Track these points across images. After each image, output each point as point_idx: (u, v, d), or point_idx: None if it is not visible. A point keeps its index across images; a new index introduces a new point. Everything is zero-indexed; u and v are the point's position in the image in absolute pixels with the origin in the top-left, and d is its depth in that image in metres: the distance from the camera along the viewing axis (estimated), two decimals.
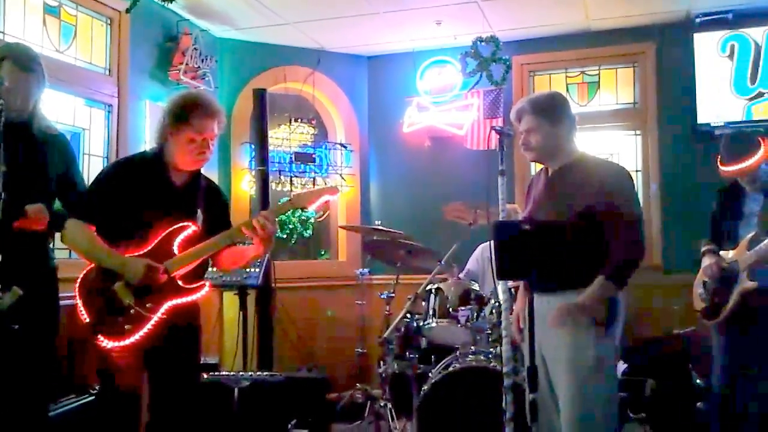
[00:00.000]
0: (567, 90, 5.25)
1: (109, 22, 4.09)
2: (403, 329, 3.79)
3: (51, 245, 2.70)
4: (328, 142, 5.45)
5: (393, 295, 4.15)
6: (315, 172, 5.27)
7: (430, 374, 3.53)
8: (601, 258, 2.32)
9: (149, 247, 2.46)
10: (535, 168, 4.55)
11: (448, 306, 3.67)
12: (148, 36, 4.34)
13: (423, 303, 3.83)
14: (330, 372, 4.62)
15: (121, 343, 2.36)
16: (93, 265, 2.44)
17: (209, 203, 2.65)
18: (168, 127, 2.50)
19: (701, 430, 3.74)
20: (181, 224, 2.51)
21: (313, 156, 5.28)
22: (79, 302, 2.39)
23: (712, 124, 4.66)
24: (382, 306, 4.19)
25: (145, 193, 2.49)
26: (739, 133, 3.72)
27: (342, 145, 5.43)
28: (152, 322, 2.39)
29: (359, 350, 4.72)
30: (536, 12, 4.70)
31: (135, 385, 2.45)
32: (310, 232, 5.30)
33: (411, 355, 3.62)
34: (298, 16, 4.71)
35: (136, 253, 2.43)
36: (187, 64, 4.41)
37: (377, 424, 4.00)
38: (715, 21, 4.65)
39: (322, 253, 5.64)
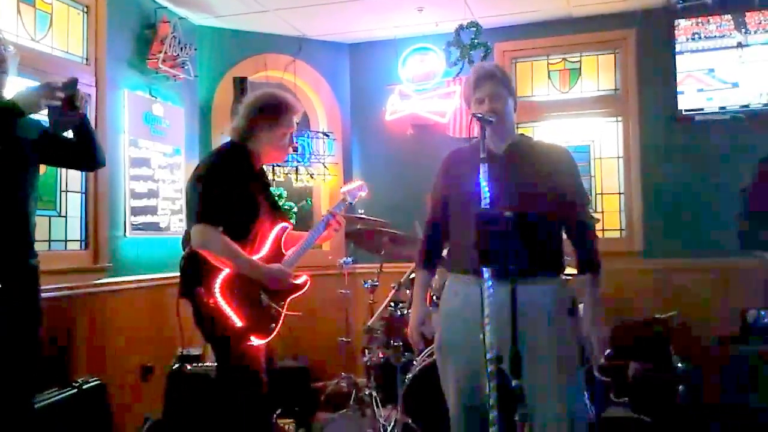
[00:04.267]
0: (549, 77, 5.26)
1: (85, 10, 4.01)
2: (387, 318, 3.80)
3: (32, 240, 2.65)
4: (310, 131, 5.41)
5: (377, 283, 4.16)
6: (297, 161, 5.24)
7: (414, 362, 3.55)
8: (560, 243, 2.33)
9: (266, 250, 2.75)
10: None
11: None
12: (126, 24, 4.27)
13: (407, 291, 3.85)
14: (314, 361, 4.63)
15: (266, 341, 2.67)
16: (228, 272, 2.57)
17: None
18: (261, 123, 2.72)
19: (682, 413, 3.80)
20: (283, 224, 2.86)
21: (296, 144, 5.23)
22: (228, 310, 2.55)
23: (693, 111, 4.69)
24: (367, 295, 4.19)
25: (249, 187, 2.71)
26: None
27: (324, 133, 5.40)
28: (282, 317, 2.75)
29: (344, 339, 4.71)
30: None
31: (263, 370, 2.69)
32: (293, 221, 5.27)
33: (395, 344, 3.62)
34: (279, 3, 4.66)
35: (257, 256, 2.69)
36: (165, 52, 4.34)
37: (362, 413, 4.01)
38: (696, 6, 4.67)
39: None
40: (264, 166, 2.96)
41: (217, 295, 2.54)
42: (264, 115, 2.72)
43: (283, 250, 2.82)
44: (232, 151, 2.75)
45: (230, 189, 2.59)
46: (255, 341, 2.60)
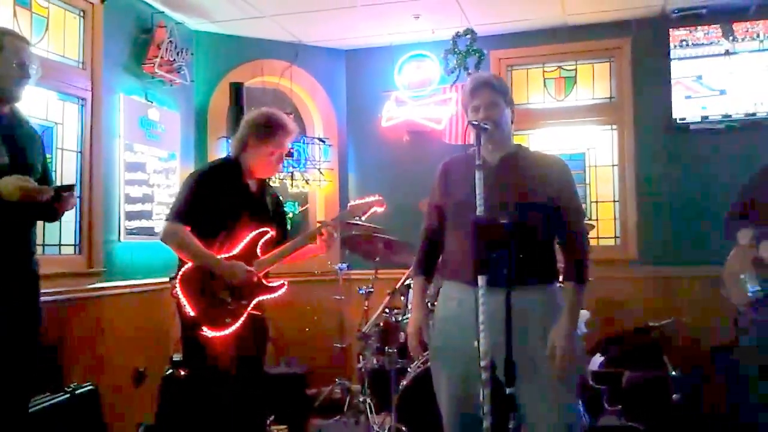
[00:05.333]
0: (544, 85, 5.27)
1: (82, 14, 4.01)
2: (382, 324, 3.79)
3: (34, 248, 2.65)
4: (306, 137, 5.41)
5: (372, 290, 4.15)
6: (293, 167, 5.24)
7: (409, 369, 3.54)
8: (554, 251, 2.31)
9: (238, 250, 2.86)
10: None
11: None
12: (122, 29, 4.27)
13: (402, 297, 3.84)
14: (309, 367, 4.61)
15: (221, 333, 2.77)
16: (191, 265, 2.79)
17: (274, 210, 3.10)
18: (250, 139, 2.91)
19: (677, 421, 3.80)
20: (262, 229, 2.93)
21: (291, 150, 5.24)
22: (183, 299, 2.77)
23: (687, 119, 4.71)
24: (361, 301, 4.19)
25: (230, 196, 2.88)
26: None
27: (320, 139, 5.40)
28: (245, 315, 2.83)
29: (338, 345, 4.71)
30: (513, 6, 4.71)
31: (228, 367, 2.81)
32: (288, 227, 5.26)
33: (390, 350, 3.62)
34: (276, 8, 4.67)
35: (226, 255, 2.82)
36: (162, 57, 4.34)
37: (356, 419, 4.00)
38: (691, 16, 4.70)
39: None
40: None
41: (177, 284, 2.79)
42: (255, 133, 2.92)
43: (258, 253, 2.92)
44: (222, 165, 3.03)
45: (209, 197, 2.82)
46: (208, 332, 2.75)
